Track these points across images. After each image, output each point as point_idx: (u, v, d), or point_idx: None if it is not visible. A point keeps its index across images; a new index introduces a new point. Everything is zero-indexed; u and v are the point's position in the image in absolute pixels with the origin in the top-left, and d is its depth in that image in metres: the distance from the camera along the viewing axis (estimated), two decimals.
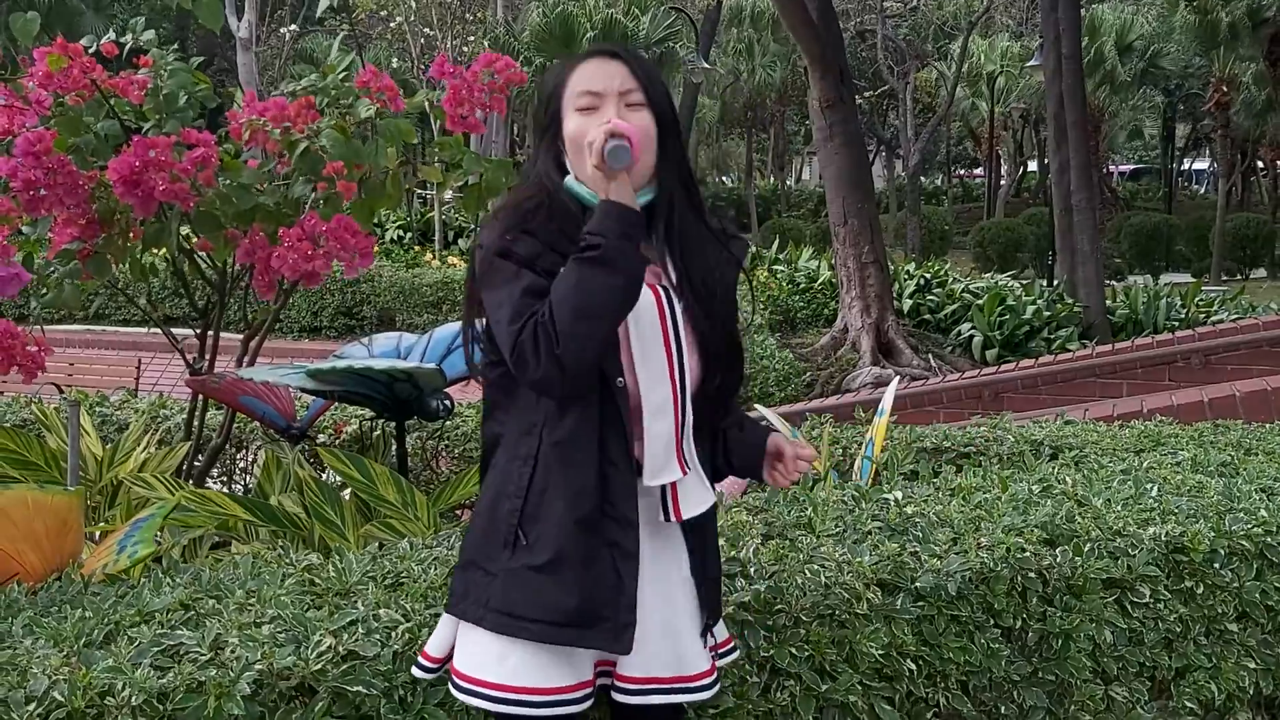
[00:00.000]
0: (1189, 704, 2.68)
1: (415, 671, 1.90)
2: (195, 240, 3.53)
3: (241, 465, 4.69)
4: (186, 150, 2.99)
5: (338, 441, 4.36)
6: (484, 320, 1.83)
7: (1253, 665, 2.73)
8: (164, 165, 2.85)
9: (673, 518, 1.82)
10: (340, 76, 3.62)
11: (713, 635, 1.92)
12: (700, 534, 1.89)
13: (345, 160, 3.02)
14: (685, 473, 1.82)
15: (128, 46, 3.53)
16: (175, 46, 3.68)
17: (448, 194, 3.72)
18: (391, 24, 18.40)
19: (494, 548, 1.78)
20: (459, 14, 17.62)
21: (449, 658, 1.86)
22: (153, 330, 3.92)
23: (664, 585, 1.84)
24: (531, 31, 18.53)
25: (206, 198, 3.09)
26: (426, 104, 3.75)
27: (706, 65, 19.34)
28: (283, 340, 12.60)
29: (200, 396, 3.97)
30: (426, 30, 17.47)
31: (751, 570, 2.35)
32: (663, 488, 1.81)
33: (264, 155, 3.38)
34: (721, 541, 2.49)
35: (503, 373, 1.80)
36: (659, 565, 1.84)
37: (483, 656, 1.77)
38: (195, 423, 4.00)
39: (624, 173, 1.70)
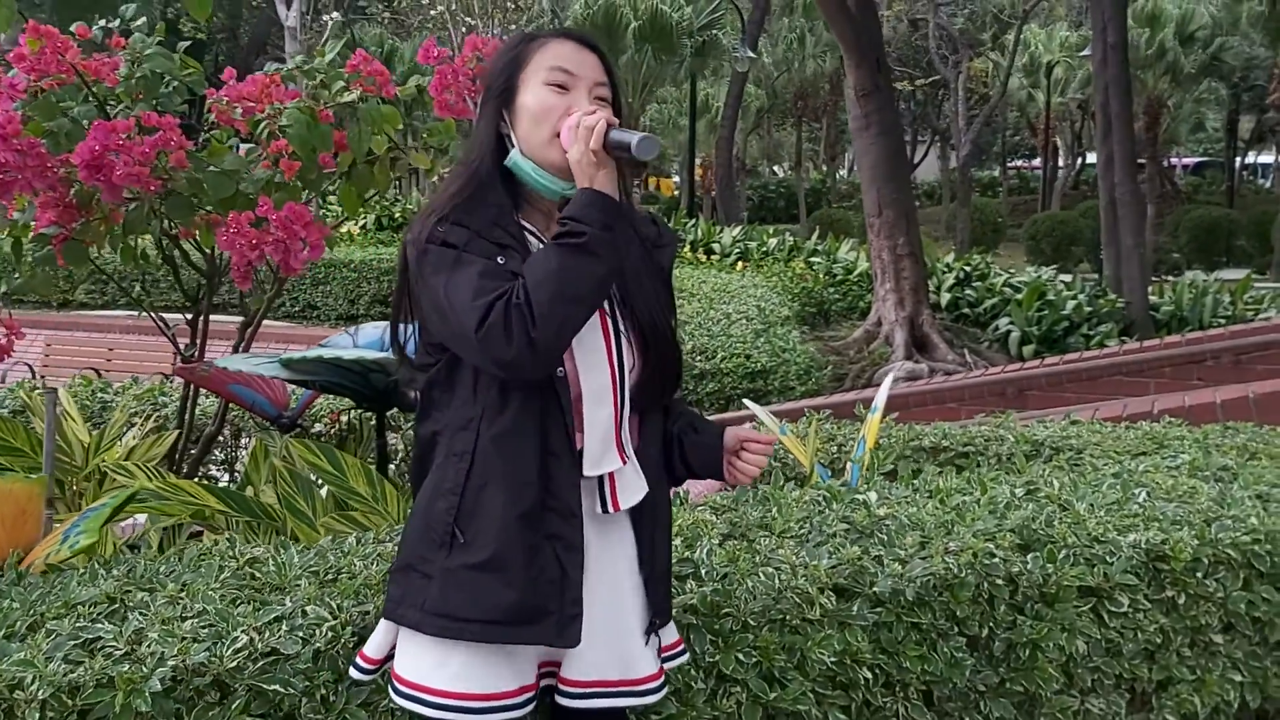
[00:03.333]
0: (1170, 717, 2.57)
1: (353, 673, 1.86)
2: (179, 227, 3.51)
3: (245, 455, 4.68)
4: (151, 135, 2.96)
5: (333, 431, 4.33)
6: (416, 319, 1.80)
7: (1239, 678, 2.61)
8: (125, 149, 2.81)
9: (610, 508, 1.77)
10: (330, 60, 3.58)
11: (658, 636, 1.86)
12: (649, 527, 1.84)
13: (299, 141, 2.96)
14: (624, 462, 1.78)
15: (118, 31, 3.52)
16: (225, 35, 3.66)
17: (435, 179, 3.67)
18: (433, 12, 18.45)
19: (430, 548, 1.73)
20: (500, 2, 17.60)
21: (388, 659, 1.82)
22: (142, 316, 3.92)
23: (611, 583, 1.79)
24: (574, 21, 18.47)
25: (178, 182, 3.06)
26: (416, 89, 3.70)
27: (752, 54, 19.15)
28: (320, 328, 12.71)
29: (190, 385, 3.95)
30: (468, 19, 17.50)
31: (703, 571, 2.28)
32: (600, 478, 1.77)
33: (240, 138, 3.34)
34: (678, 541, 2.43)
35: (439, 371, 1.76)
36: (605, 561, 1.79)
37: (423, 661, 1.73)
38: (186, 412, 3.99)
39: (613, 162, 1.68)
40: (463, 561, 1.70)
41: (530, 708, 1.77)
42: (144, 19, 3.59)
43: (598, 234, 1.64)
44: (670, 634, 1.93)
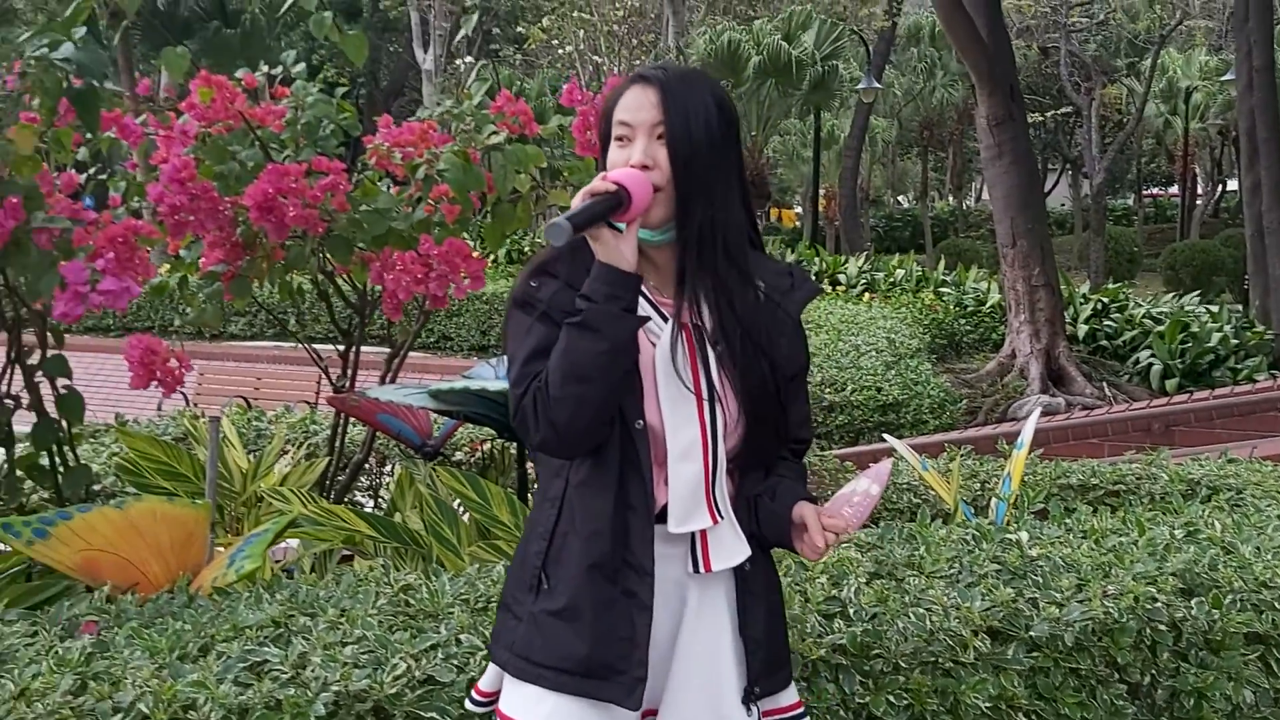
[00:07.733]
0: None
1: (468, 704, 1.90)
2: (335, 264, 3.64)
3: (388, 482, 4.81)
4: (320, 178, 3.09)
5: (473, 459, 4.42)
6: None
7: None
8: (296, 192, 2.94)
9: (702, 569, 1.74)
10: (476, 103, 3.70)
11: (755, 706, 1.77)
12: (748, 589, 1.78)
13: (456, 184, 3.06)
14: (716, 521, 1.73)
15: (279, 78, 3.69)
16: (365, 79, 3.82)
17: None
18: (561, 51, 18.81)
19: (521, 590, 1.76)
20: (626, 40, 17.85)
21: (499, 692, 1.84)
22: (295, 347, 4.06)
23: (710, 638, 1.76)
24: (698, 58, 18.59)
25: (339, 223, 3.18)
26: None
27: (878, 85, 19.02)
28: (454, 358, 13.01)
29: (341, 414, 4.08)
30: (595, 58, 17.79)
31: (851, 611, 2.26)
32: (691, 536, 1.74)
33: (395, 181, 3.46)
34: (824, 579, 2.40)
35: None
36: (706, 616, 1.76)
37: (522, 698, 1.74)
38: (337, 439, 4.12)
39: (607, 230, 1.62)
40: (545, 607, 1.72)
41: None
42: (302, 65, 3.76)
43: (598, 308, 1.62)
44: (789, 696, 1.85)
